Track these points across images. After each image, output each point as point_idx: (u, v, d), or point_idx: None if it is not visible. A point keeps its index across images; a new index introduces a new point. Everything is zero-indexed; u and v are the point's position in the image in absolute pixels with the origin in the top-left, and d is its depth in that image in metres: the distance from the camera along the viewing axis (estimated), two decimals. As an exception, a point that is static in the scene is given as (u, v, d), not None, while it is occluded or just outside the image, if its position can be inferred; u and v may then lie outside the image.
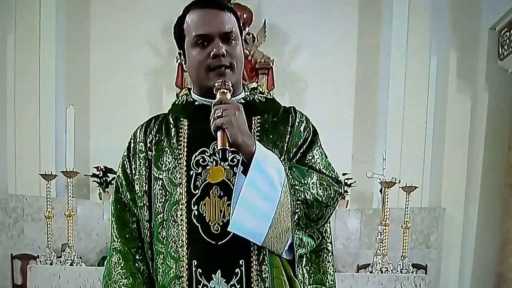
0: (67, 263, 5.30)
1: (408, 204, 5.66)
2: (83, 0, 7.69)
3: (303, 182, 1.99)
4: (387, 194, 5.65)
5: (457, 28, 7.28)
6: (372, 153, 7.41)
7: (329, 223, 2.15)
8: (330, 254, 2.16)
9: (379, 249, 5.58)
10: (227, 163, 1.98)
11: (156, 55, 7.80)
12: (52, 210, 5.48)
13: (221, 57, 1.98)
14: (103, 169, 7.37)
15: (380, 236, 5.61)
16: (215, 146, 1.97)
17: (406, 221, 5.64)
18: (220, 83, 1.94)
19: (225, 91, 1.93)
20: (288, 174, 1.97)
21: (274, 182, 1.92)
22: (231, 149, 1.87)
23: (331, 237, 2.17)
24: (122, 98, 7.46)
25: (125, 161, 2.18)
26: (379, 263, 5.48)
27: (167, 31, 7.60)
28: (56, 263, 5.34)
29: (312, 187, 2.00)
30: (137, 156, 2.15)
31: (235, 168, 1.98)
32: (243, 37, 2.15)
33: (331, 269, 2.16)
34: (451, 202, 7.43)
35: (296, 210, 1.96)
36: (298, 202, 1.97)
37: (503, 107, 6.85)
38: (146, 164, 2.12)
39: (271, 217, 1.90)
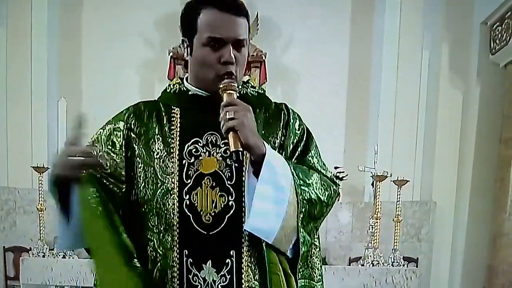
0: (59, 255, 5.29)
1: (399, 198, 5.68)
2: (75, -7, 7.63)
3: (307, 182, 2.02)
4: (379, 188, 5.66)
5: (449, 22, 7.28)
6: (364, 147, 7.41)
7: None
8: (318, 249, 2.20)
9: (371, 242, 5.57)
10: (220, 154, 1.99)
11: (149, 48, 7.77)
12: (44, 203, 5.46)
13: (230, 65, 1.98)
14: (95, 162, 7.33)
15: (372, 229, 5.60)
16: (208, 137, 2.01)
17: (398, 215, 5.65)
18: (225, 84, 1.94)
19: (232, 92, 1.94)
20: (294, 174, 1.99)
21: (283, 182, 1.94)
22: (241, 150, 1.86)
23: (318, 233, 2.19)
24: (114, 91, 7.39)
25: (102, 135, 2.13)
26: (370, 256, 5.47)
27: (160, 24, 7.59)
28: (48, 255, 5.33)
29: (315, 186, 2.04)
30: (115, 134, 2.11)
31: (227, 159, 1.98)
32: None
33: (318, 263, 2.20)
34: (442, 195, 7.45)
35: (302, 210, 1.99)
36: (304, 201, 1.99)
37: (495, 102, 6.86)
38: (124, 144, 2.08)
39: (282, 217, 1.93)
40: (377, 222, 5.60)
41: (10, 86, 7.37)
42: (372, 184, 6.19)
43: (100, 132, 2.12)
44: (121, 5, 7.62)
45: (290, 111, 2.19)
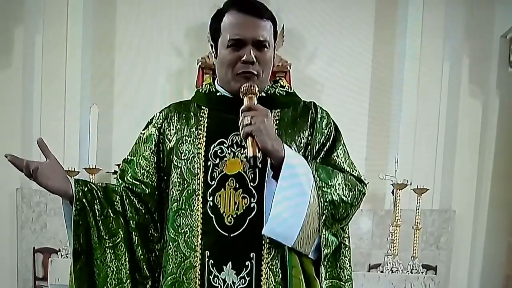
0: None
1: (419, 206, 5.65)
2: (109, 3, 7.81)
3: (329, 183, 2.00)
4: (399, 196, 5.63)
5: (469, 35, 7.37)
6: (385, 156, 7.45)
7: None
8: (347, 249, 2.16)
9: (390, 250, 5.51)
10: (244, 155, 1.98)
11: (178, 57, 7.90)
12: (74, 205, 5.53)
13: (250, 64, 2.00)
14: (124, 167, 7.44)
15: (391, 237, 5.51)
16: (233, 137, 2.03)
17: (417, 223, 5.59)
18: (246, 88, 1.95)
19: (252, 96, 1.94)
20: (316, 176, 1.98)
21: (303, 185, 1.93)
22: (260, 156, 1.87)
23: (348, 232, 2.17)
24: (144, 98, 7.53)
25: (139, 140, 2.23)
26: (390, 263, 5.41)
27: (189, 34, 7.72)
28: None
29: (338, 188, 2.02)
30: (148, 141, 2.20)
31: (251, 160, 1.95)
32: (275, 43, 2.15)
33: (347, 263, 2.16)
34: (461, 204, 7.50)
35: (324, 211, 1.98)
36: (326, 203, 1.98)
37: (514, 113, 6.87)
38: (155, 150, 2.18)
39: (302, 220, 1.92)
40: (396, 229, 5.51)
41: (45, 92, 7.54)
42: (393, 192, 6.18)
43: (140, 137, 2.22)
44: (153, 15, 7.77)
45: (319, 109, 2.18)
